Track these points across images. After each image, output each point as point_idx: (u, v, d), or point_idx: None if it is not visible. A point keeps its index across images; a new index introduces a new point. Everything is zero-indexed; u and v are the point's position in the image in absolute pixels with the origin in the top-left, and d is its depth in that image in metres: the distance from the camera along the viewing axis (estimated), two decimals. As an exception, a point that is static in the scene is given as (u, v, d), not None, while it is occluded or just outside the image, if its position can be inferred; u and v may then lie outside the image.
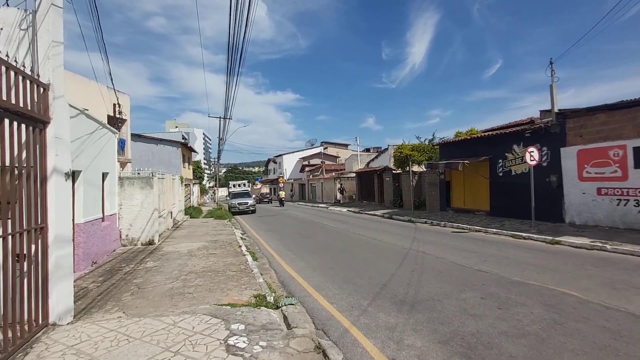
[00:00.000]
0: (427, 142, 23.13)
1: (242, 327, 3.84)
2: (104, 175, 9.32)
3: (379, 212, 18.28)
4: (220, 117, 29.46)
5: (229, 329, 3.78)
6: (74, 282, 6.29)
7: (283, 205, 31.86)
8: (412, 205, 16.95)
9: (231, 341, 3.46)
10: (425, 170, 18.74)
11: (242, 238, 11.56)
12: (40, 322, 3.70)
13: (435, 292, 5.08)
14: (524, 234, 9.42)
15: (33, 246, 3.60)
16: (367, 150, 42.76)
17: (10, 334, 3.14)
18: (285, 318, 4.27)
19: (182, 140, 33.66)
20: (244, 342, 3.46)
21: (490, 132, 14.80)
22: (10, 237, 3.15)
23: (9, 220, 3.20)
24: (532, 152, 10.06)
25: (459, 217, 14.31)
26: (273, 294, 5.22)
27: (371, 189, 26.32)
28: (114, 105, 12.24)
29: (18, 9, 3.67)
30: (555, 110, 11.18)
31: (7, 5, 3.66)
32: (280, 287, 5.98)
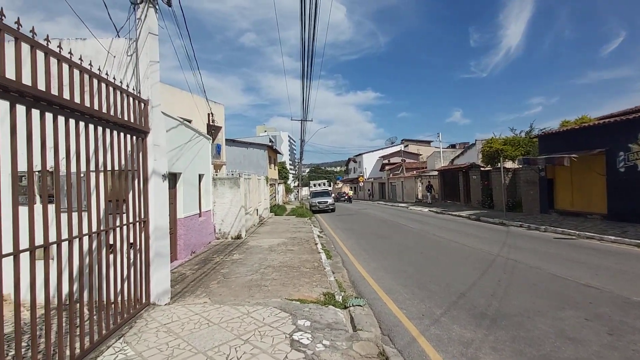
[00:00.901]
0: (523, 134, 20.37)
1: (308, 323, 3.94)
2: (200, 177, 10.58)
3: (464, 213, 16.82)
4: (301, 120, 30.82)
5: (295, 324, 3.91)
6: (176, 268, 7.31)
7: (351, 202, 38.75)
8: (505, 206, 15.13)
9: (296, 336, 3.57)
10: (520, 166, 16.54)
11: (319, 236, 11.89)
12: (143, 301, 4.39)
13: (525, 308, 4.43)
14: (656, 244, 7.57)
15: (135, 236, 4.28)
16: (452, 146, 39.74)
17: (119, 309, 3.79)
18: (351, 319, 4.24)
19: (269, 144, 36.24)
20: (307, 338, 3.53)
21: (607, 120, 12.29)
22: (119, 228, 3.80)
23: (119, 215, 3.86)
24: (669, 141, 8.01)
25: (564, 220, 12.25)
26: (342, 294, 5.23)
27: (456, 188, 24.38)
28: (208, 115, 13.81)
29: (125, 38, 4.44)
30: None
31: (118, 36, 4.45)
32: (350, 286, 5.96)
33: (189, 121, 11.79)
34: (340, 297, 5.02)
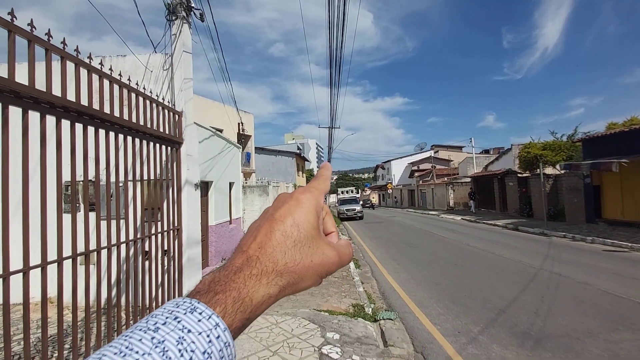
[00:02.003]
0: (564, 138, 19.16)
1: (337, 336, 3.84)
2: (231, 185, 10.84)
3: (500, 222, 15.99)
4: (328, 127, 30.94)
5: (324, 336, 3.83)
6: (207, 275, 7.48)
7: (374, 209, 41.20)
8: (545, 215, 14.21)
9: (325, 350, 3.49)
10: (562, 172, 15.53)
11: (347, 244, 11.73)
12: (176, 307, 4.48)
13: (573, 328, 4.07)
14: None
15: (169, 244, 4.40)
16: (486, 151, 38.20)
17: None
18: (382, 333, 4.09)
19: (297, 151, 36.66)
20: (337, 352, 3.44)
21: (663, 122, 11.27)
22: (154, 235, 3.92)
23: (154, 223, 3.99)
24: None
25: (614, 231, 11.30)
26: (372, 306, 5.08)
27: (490, 195, 23.29)
28: (238, 124, 14.19)
29: (161, 54, 4.65)
30: None
31: (155, 51, 4.67)
32: (380, 298, 5.78)
33: (220, 130, 12.16)
34: (370, 309, 4.88)
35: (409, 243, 11.83)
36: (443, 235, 13.44)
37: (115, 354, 0.25)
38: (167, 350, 0.25)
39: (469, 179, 28.15)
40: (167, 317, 0.28)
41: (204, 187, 8.62)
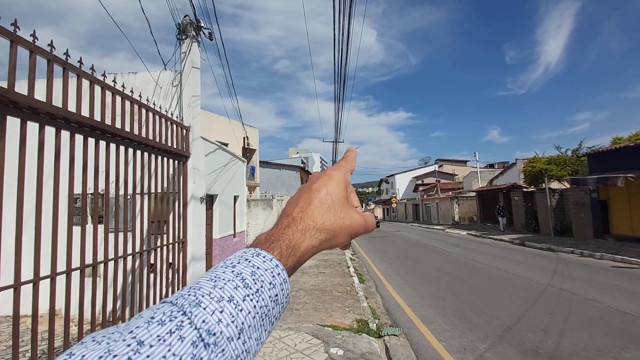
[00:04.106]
0: (569, 153, 19.10)
1: (340, 352, 3.80)
2: (235, 198, 10.90)
3: (506, 237, 15.80)
4: (332, 141, 31.15)
5: (327, 352, 3.79)
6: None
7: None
8: (552, 230, 14.04)
9: (329, 366, 3.45)
10: (568, 187, 15.43)
11: (351, 259, 11.65)
12: (179, 321, 4.47)
13: (582, 346, 3.99)
14: None
15: (174, 257, 4.43)
16: (491, 166, 38.11)
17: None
18: (386, 349, 4.03)
19: (301, 165, 36.80)
20: (341, 368, 3.40)
21: (668, 137, 11.24)
22: (159, 248, 3.96)
23: (160, 235, 4.03)
24: None
25: (623, 247, 11.11)
26: (376, 321, 5.02)
27: (495, 210, 23.10)
28: (244, 138, 14.39)
29: (171, 70, 4.81)
30: None
31: (165, 69, 4.83)
32: (384, 313, 5.71)
33: (226, 144, 12.32)
34: (375, 324, 4.82)
35: (413, 258, 11.72)
36: (448, 250, 13.30)
37: (208, 280, 0.33)
38: (244, 279, 0.34)
39: (474, 194, 28.00)
40: (239, 259, 0.36)
41: (209, 200, 8.68)
